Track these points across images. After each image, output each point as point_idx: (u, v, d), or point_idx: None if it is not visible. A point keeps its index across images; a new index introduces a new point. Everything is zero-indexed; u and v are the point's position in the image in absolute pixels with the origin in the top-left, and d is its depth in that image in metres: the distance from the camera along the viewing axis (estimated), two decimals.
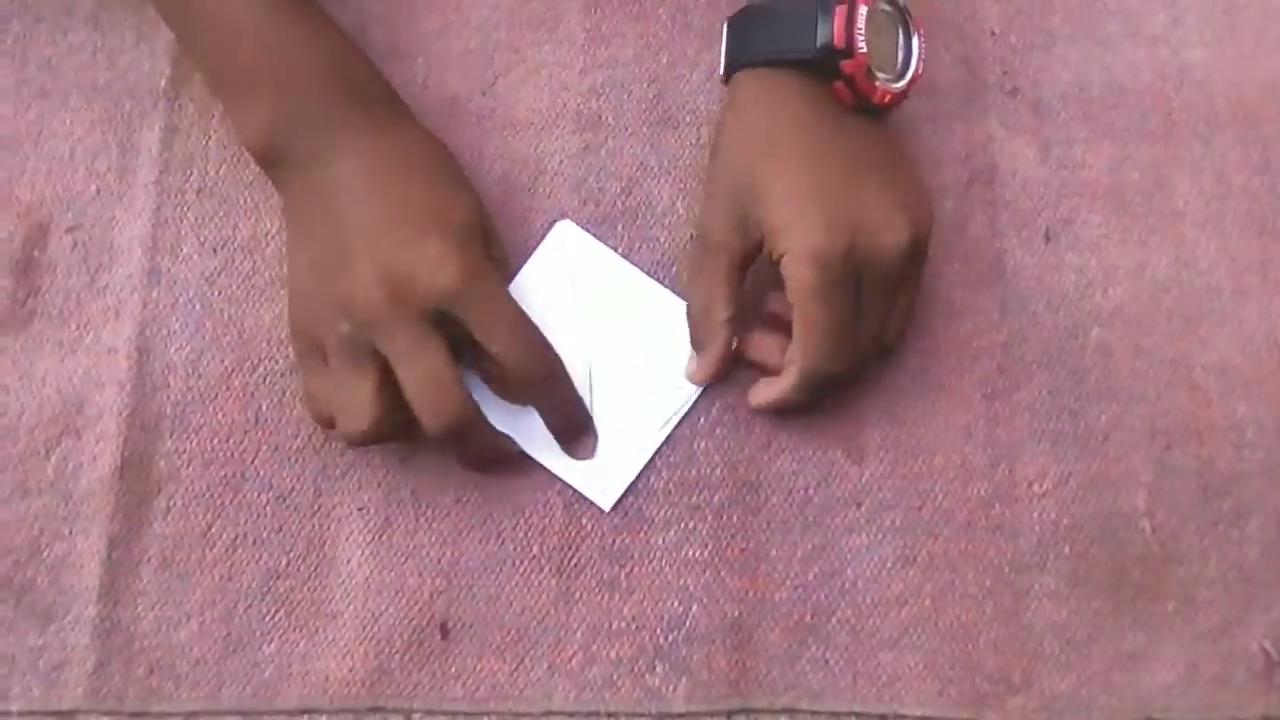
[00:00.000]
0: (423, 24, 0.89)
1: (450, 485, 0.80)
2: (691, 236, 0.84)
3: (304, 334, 0.75)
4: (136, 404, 0.81)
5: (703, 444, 0.81)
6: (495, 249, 0.79)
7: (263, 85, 0.75)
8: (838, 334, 0.74)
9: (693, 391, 0.81)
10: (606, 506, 0.79)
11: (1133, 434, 0.82)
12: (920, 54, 0.77)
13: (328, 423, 0.76)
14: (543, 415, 0.78)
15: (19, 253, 0.84)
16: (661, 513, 0.79)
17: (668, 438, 0.80)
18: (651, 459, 0.80)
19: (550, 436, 0.80)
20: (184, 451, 0.80)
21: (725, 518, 0.79)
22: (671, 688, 0.77)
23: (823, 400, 0.79)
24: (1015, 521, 0.80)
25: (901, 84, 0.76)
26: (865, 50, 0.73)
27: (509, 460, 0.79)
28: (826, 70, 0.74)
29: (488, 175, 0.86)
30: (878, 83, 0.75)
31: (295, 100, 0.75)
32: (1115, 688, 0.77)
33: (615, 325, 0.82)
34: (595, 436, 0.80)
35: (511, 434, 0.79)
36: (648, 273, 0.83)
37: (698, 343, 0.80)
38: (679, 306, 0.82)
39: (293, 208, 0.78)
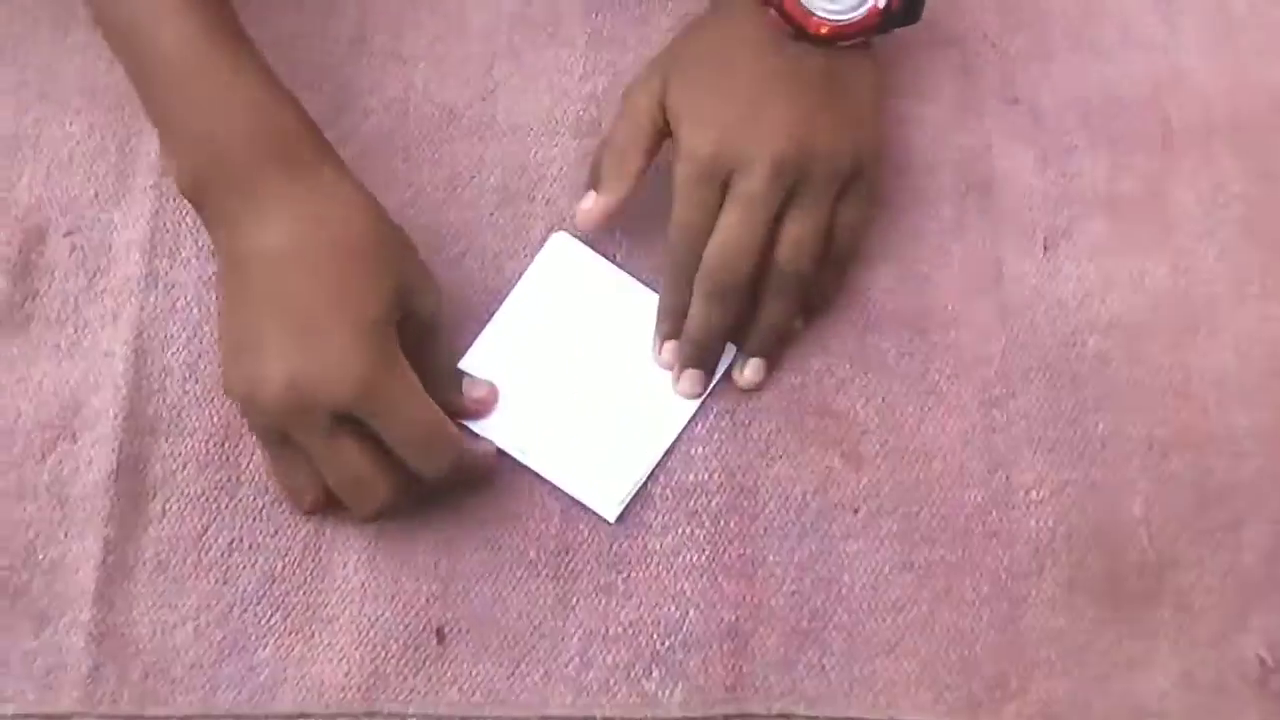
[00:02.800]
0: (423, 30, 0.90)
1: (447, 491, 0.79)
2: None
3: (230, 390, 0.74)
4: (133, 407, 0.81)
5: (700, 449, 0.81)
6: (423, 301, 0.76)
7: (186, 132, 0.73)
8: (686, 228, 0.78)
9: (695, 402, 0.81)
10: (611, 518, 0.79)
11: (1130, 442, 0.81)
12: None
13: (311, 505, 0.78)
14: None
15: (17, 256, 0.84)
16: (659, 518, 0.79)
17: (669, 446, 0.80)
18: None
19: (554, 449, 0.80)
20: (180, 455, 0.80)
21: (722, 523, 0.79)
22: (668, 693, 0.76)
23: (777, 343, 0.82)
24: (1012, 528, 0.80)
25: (850, 16, 0.76)
26: None
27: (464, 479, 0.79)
28: None
29: (487, 182, 0.86)
30: (816, 13, 0.76)
31: (215, 153, 0.72)
32: (1111, 694, 0.77)
33: (614, 336, 0.82)
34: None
35: (512, 447, 0.80)
36: (644, 282, 0.84)
37: (599, 181, 0.81)
38: None
39: (221, 272, 0.76)
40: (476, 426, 0.80)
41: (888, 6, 0.76)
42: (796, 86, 0.77)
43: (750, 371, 0.81)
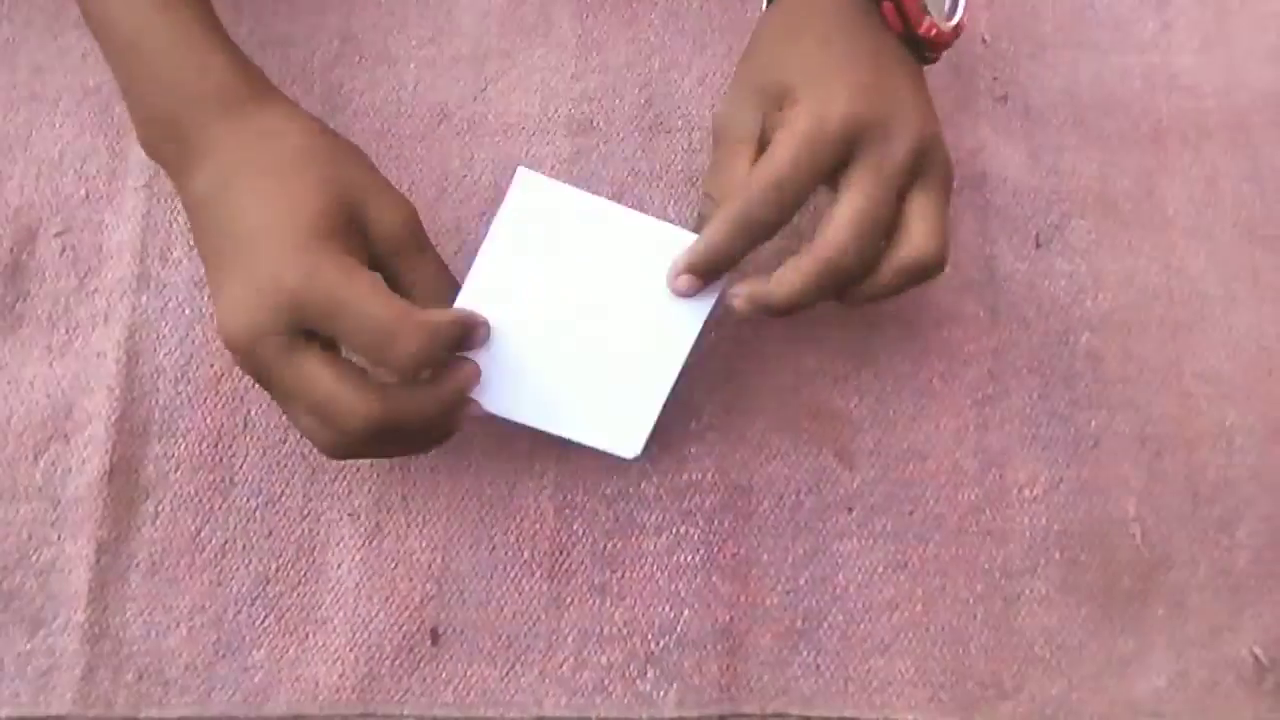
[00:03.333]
0: (413, 30, 0.89)
1: (441, 491, 0.80)
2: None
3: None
4: (125, 408, 0.81)
5: (694, 448, 0.81)
6: (381, 211, 0.71)
7: (139, 93, 0.72)
8: (791, 185, 0.68)
9: (699, 322, 0.74)
10: (630, 455, 0.74)
11: (1123, 440, 0.82)
12: (965, 4, 0.76)
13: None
14: (377, 449, 0.70)
15: (8, 257, 0.84)
16: (653, 518, 0.79)
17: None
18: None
19: (559, 405, 0.74)
20: (173, 456, 0.80)
21: (717, 523, 0.79)
22: (662, 693, 0.77)
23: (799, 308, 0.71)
24: (1006, 527, 0.80)
25: (948, 25, 0.74)
26: None
27: (456, 420, 0.72)
28: None
29: (479, 181, 0.86)
30: (929, 14, 0.72)
31: (164, 111, 0.71)
32: (1106, 693, 0.77)
33: (603, 269, 0.75)
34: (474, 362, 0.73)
35: (514, 412, 0.73)
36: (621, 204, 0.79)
37: (704, 211, 0.73)
38: (665, 232, 0.74)
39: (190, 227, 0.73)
40: (482, 399, 0.73)
41: (964, 23, 0.75)
42: (914, 73, 0.74)
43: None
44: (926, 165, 0.71)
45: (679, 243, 0.73)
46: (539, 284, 0.74)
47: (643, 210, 0.74)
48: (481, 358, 0.73)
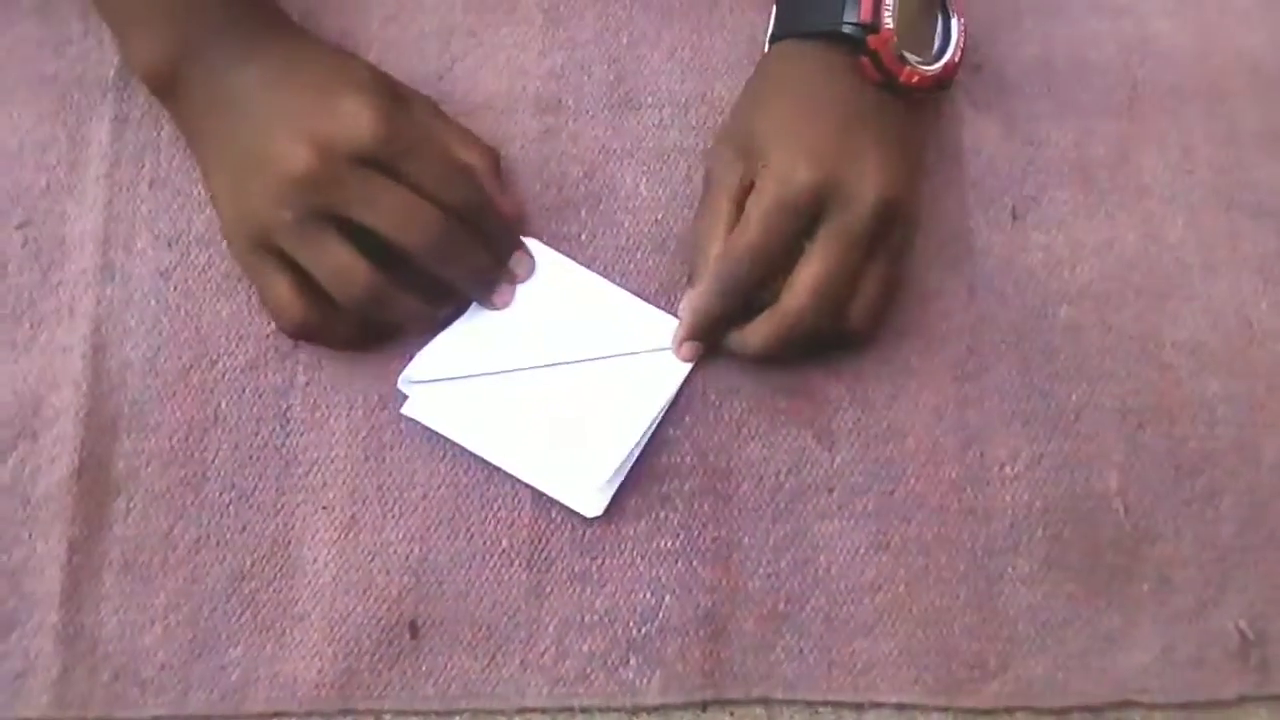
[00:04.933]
0: (377, 7, 0.88)
1: (417, 481, 0.79)
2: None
3: (249, 243, 0.76)
4: (93, 404, 0.79)
5: (673, 431, 0.80)
6: (412, 95, 0.81)
7: (155, 14, 0.76)
8: (761, 251, 0.75)
9: (667, 396, 0.80)
10: (592, 514, 0.78)
11: (1104, 413, 0.81)
12: (960, 41, 0.78)
13: (306, 326, 0.77)
14: (453, 263, 0.77)
15: None
16: (632, 502, 0.79)
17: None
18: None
19: (528, 452, 0.78)
20: (143, 451, 0.79)
21: (696, 506, 0.79)
22: (645, 680, 0.76)
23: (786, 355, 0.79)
24: (988, 504, 0.79)
25: (934, 68, 0.78)
26: (891, 27, 0.75)
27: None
28: (855, 45, 0.76)
29: None
30: (908, 63, 0.76)
31: (191, 26, 0.76)
32: (1091, 671, 0.77)
33: (582, 334, 0.81)
34: (511, 286, 0.81)
35: (486, 451, 0.79)
36: (611, 262, 0.83)
37: (693, 275, 0.79)
38: (645, 311, 0.81)
39: (198, 129, 0.79)
40: (444, 429, 0.79)
41: (958, 64, 0.79)
42: (886, 130, 0.77)
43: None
44: (887, 229, 0.76)
45: (656, 322, 0.81)
46: (521, 336, 0.80)
47: (613, 191, 0.84)
48: (460, 396, 0.79)
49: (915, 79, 0.77)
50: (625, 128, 0.85)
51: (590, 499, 0.78)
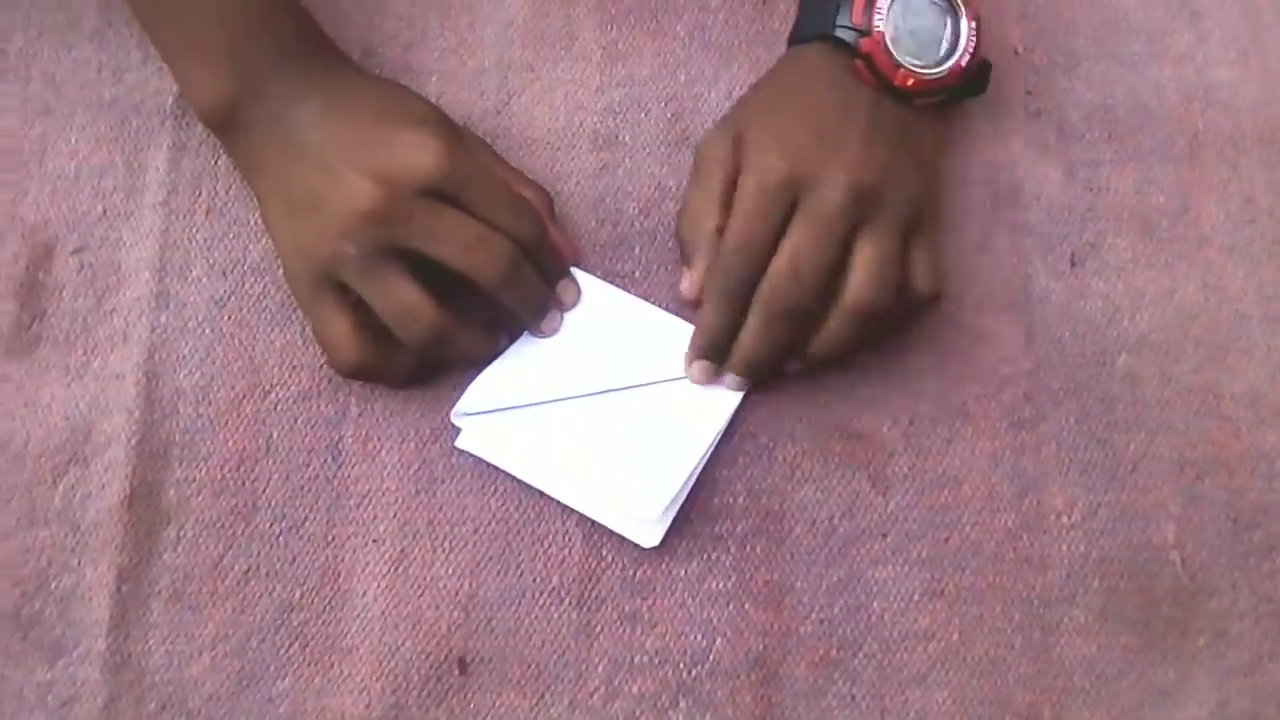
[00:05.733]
0: (435, 41, 0.88)
1: (467, 516, 0.78)
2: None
3: (310, 279, 0.75)
4: (145, 431, 0.79)
5: (725, 472, 0.80)
6: (467, 135, 0.81)
7: (215, 51, 0.76)
8: (746, 244, 0.76)
9: (723, 420, 0.79)
10: (649, 545, 0.77)
11: (1161, 464, 0.80)
12: (969, 43, 0.77)
13: (363, 366, 0.77)
14: (519, 291, 0.78)
15: (24, 275, 0.82)
16: (684, 543, 0.78)
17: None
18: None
19: (584, 483, 0.78)
20: (194, 480, 0.79)
21: (749, 548, 0.78)
22: None
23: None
24: (1044, 554, 0.78)
25: (937, 71, 0.77)
26: (881, 29, 0.76)
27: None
28: (851, 48, 0.77)
29: None
30: (902, 66, 0.76)
31: (250, 62, 0.76)
32: None
33: (635, 362, 0.80)
34: (560, 314, 0.81)
35: (542, 482, 0.78)
36: (665, 300, 0.82)
37: (688, 255, 0.80)
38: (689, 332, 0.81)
39: (257, 163, 0.78)
40: (497, 459, 0.79)
41: (967, 67, 0.77)
42: (872, 124, 0.76)
43: (733, 383, 0.80)
44: (872, 211, 0.75)
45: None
46: (573, 364, 0.80)
47: (668, 227, 0.84)
48: (513, 427, 0.79)
49: (910, 82, 0.76)
50: (681, 165, 0.85)
51: (647, 530, 0.77)
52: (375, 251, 0.72)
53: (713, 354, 0.79)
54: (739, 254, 0.76)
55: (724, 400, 0.80)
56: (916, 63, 0.76)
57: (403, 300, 0.73)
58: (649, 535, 0.77)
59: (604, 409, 0.79)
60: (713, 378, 0.79)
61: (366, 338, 0.75)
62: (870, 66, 0.76)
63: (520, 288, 0.76)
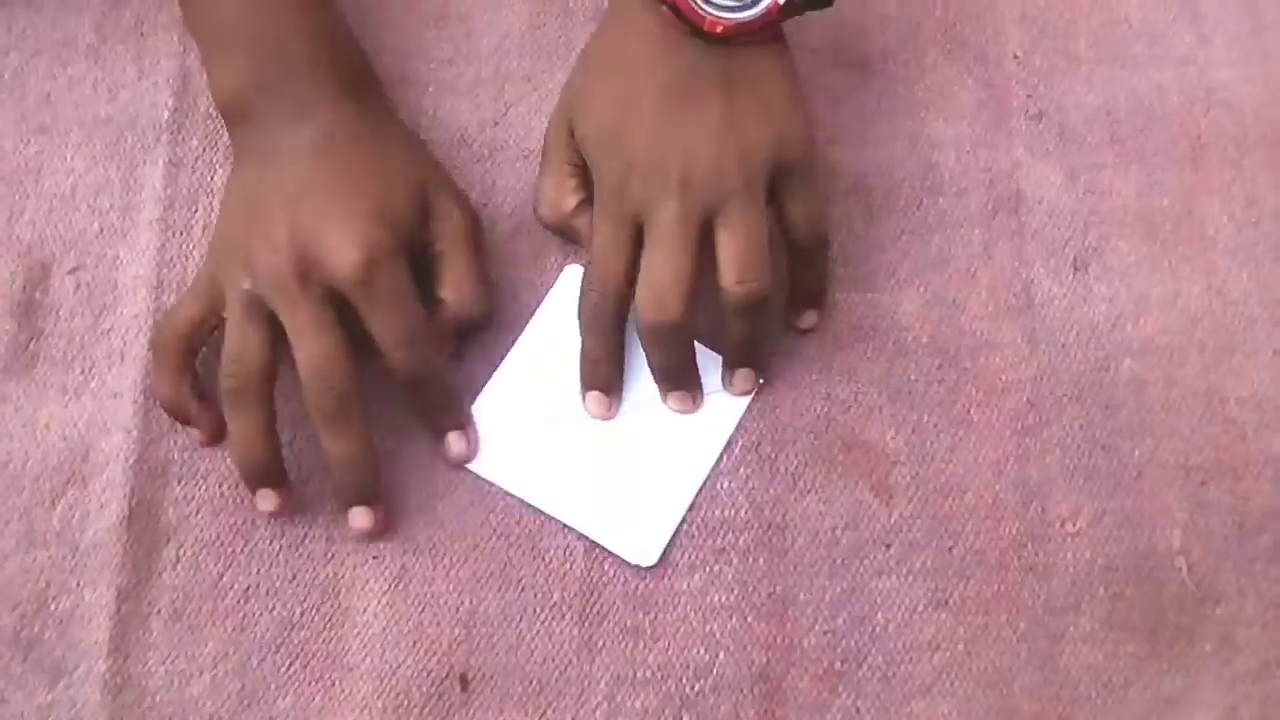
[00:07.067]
0: (432, 52, 0.88)
1: (467, 531, 0.78)
2: None
3: (209, 270, 0.77)
4: (143, 450, 0.79)
5: (726, 484, 0.79)
6: (446, 216, 0.80)
7: (243, 42, 0.76)
8: (603, 281, 0.76)
9: (722, 440, 0.79)
10: (646, 564, 0.77)
11: (1166, 470, 0.80)
12: None
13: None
14: (414, 406, 0.78)
15: (20, 294, 0.82)
16: (685, 556, 0.78)
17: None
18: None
19: (580, 500, 0.78)
20: (193, 498, 0.78)
21: (751, 561, 0.78)
22: None
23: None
24: (1049, 562, 0.78)
25: (747, 14, 0.73)
26: None
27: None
28: None
29: (500, 208, 0.85)
30: (708, 11, 0.72)
31: (273, 63, 0.76)
32: None
33: (632, 379, 0.80)
34: (467, 435, 0.79)
35: (537, 499, 0.78)
36: None
37: (563, 235, 0.83)
38: (700, 353, 0.80)
39: (241, 157, 0.79)
40: (495, 477, 0.79)
41: (785, 6, 0.73)
42: (697, 93, 0.75)
43: (740, 381, 0.80)
44: (717, 194, 0.74)
45: (706, 364, 0.80)
46: (572, 385, 0.80)
47: None
48: (511, 446, 0.79)
49: (720, 28, 0.73)
50: None
51: (643, 549, 0.77)
52: (255, 304, 0.73)
53: (602, 385, 0.80)
54: (600, 286, 0.77)
55: (723, 418, 0.80)
56: (727, 4, 0.73)
57: (244, 343, 0.74)
58: (646, 554, 0.77)
59: (603, 428, 0.79)
60: (688, 405, 0.80)
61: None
62: (676, 13, 0.73)
63: (340, 426, 0.74)
